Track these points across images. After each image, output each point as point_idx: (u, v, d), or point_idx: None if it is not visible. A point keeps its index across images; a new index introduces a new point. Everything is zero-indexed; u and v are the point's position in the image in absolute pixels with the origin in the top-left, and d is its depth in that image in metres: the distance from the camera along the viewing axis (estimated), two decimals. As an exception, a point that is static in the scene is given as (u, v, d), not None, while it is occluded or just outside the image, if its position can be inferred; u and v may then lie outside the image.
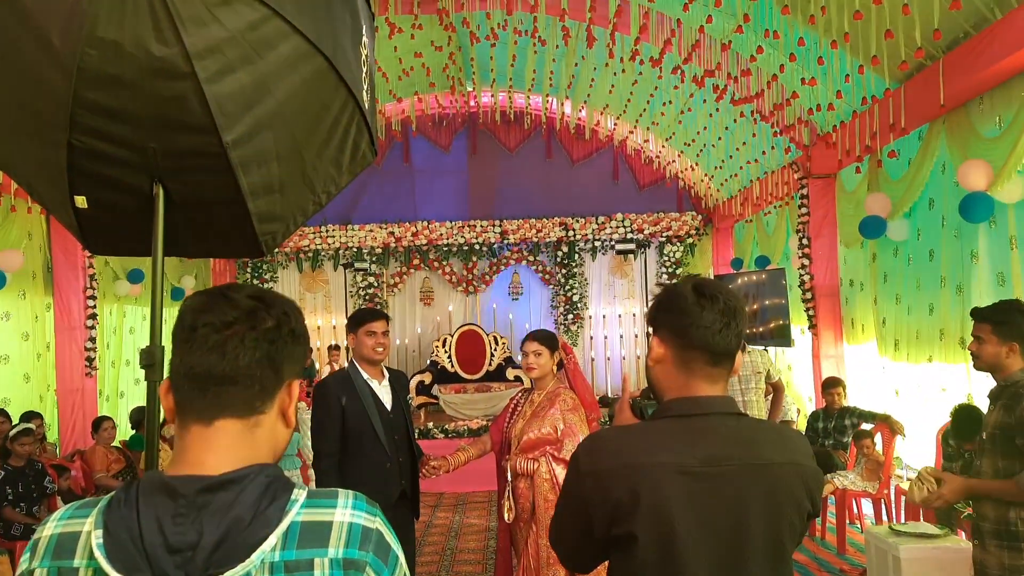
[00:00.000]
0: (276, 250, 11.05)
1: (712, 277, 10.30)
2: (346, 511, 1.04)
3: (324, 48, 1.53)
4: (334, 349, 10.82)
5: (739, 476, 1.42)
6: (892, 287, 6.67)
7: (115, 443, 6.95)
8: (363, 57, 1.77)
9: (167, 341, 1.20)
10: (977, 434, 3.00)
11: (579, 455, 1.51)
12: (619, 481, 1.42)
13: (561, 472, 3.59)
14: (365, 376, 3.56)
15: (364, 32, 1.81)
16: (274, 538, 0.97)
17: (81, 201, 1.57)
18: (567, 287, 11.60)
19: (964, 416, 4.94)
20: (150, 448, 1.50)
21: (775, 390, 5.81)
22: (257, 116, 1.48)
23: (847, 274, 7.74)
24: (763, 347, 6.49)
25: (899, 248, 6.55)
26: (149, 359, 1.52)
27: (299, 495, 1.02)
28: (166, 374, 1.12)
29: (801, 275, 8.10)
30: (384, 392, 3.60)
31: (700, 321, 1.47)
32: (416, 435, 8.54)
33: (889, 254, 6.76)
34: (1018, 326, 2.84)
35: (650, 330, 1.61)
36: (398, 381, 3.72)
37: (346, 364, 3.75)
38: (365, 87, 1.78)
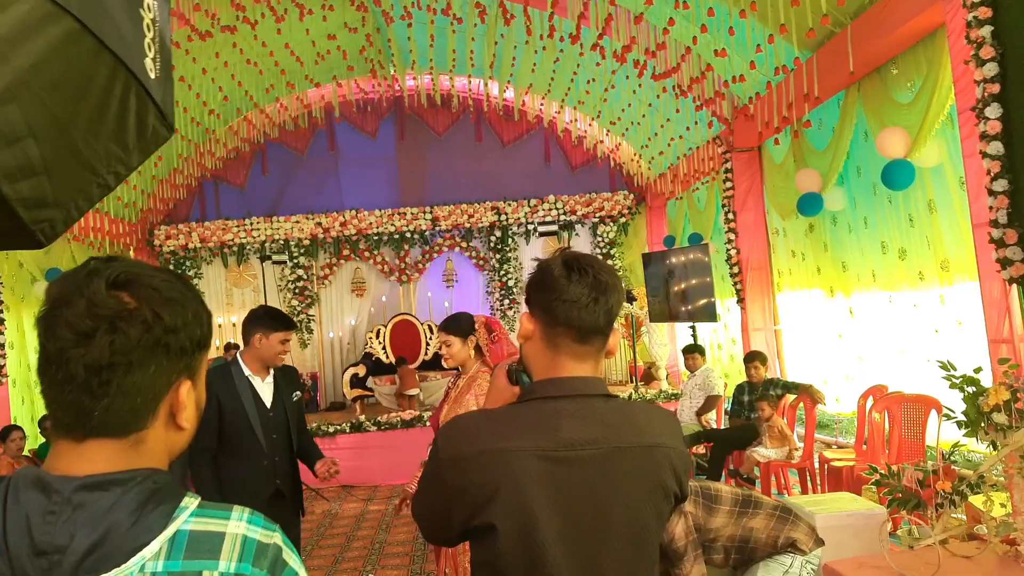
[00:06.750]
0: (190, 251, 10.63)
1: (645, 254, 10.24)
2: (240, 523, 0.93)
3: (72, 7, 1.33)
4: (233, 347, 9.88)
5: (602, 460, 1.35)
6: (836, 255, 6.64)
7: (25, 452, 6.64)
8: (146, 21, 1.57)
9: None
10: None
11: (438, 441, 1.42)
12: (477, 469, 1.34)
13: None
14: (247, 373, 3.45)
15: (151, -8, 1.61)
16: (157, 544, 0.87)
17: None
18: (501, 272, 11.44)
19: None
20: None
21: None
22: None
23: (789, 246, 7.65)
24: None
25: (837, 217, 6.52)
26: None
27: (189, 503, 0.92)
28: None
29: (728, 249, 8.08)
30: (266, 389, 3.48)
31: (566, 295, 1.39)
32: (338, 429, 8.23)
33: (827, 223, 6.73)
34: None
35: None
36: (284, 377, 3.55)
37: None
38: (151, 55, 1.58)
